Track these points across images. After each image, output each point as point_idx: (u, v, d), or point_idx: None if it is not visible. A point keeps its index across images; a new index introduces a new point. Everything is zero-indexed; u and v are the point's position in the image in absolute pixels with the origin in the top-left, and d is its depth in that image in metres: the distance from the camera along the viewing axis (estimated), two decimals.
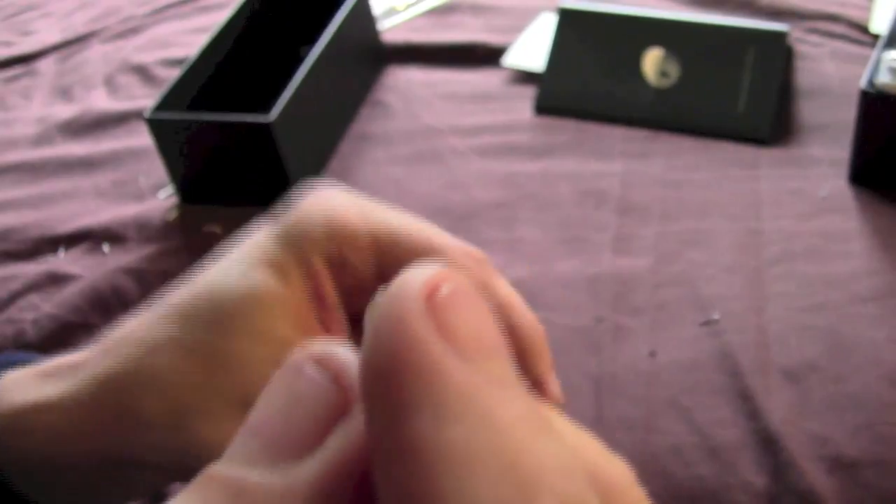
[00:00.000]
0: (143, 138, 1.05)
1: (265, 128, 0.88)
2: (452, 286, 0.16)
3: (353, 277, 0.35)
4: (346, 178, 0.96)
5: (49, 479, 0.36)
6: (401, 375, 0.15)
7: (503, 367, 0.16)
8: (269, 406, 0.17)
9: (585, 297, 0.80)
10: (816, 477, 0.65)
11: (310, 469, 0.16)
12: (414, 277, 0.16)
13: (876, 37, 1.04)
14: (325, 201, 0.36)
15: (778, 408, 0.69)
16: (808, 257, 0.81)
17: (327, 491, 0.16)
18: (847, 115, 0.89)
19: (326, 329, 0.35)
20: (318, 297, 0.35)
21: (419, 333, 0.15)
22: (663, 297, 0.79)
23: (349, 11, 1.05)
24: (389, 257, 0.35)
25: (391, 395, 0.15)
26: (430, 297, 0.15)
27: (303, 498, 0.16)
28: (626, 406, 0.71)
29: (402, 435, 0.14)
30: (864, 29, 1.07)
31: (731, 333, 0.75)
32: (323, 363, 0.17)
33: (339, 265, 0.35)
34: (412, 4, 1.23)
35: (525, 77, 1.08)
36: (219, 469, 0.17)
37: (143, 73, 1.22)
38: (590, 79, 1.03)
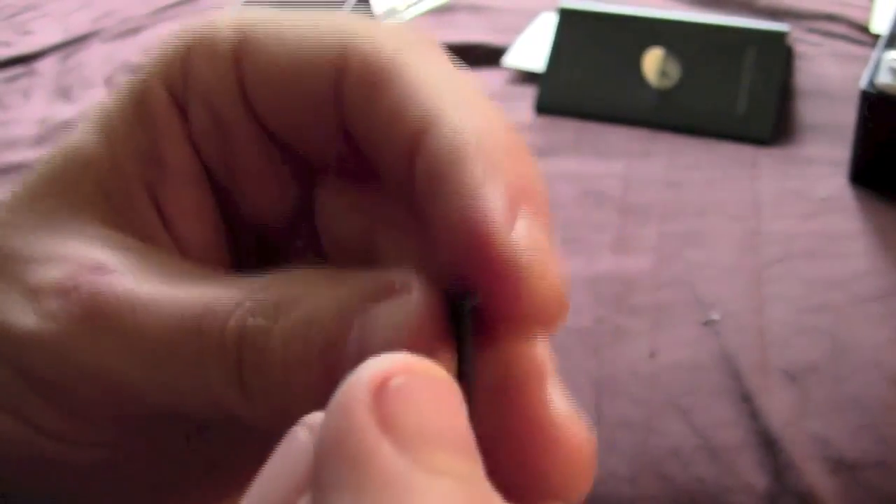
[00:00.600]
0: None
1: None
2: (407, 379, 0.16)
3: (213, 116, 0.23)
4: None
5: None
6: (332, 457, 0.15)
7: (454, 460, 0.16)
8: (264, 471, 0.18)
9: (586, 297, 0.80)
10: (817, 478, 0.65)
11: None
12: (367, 368, 0.16)
13: (876, 37, 1.04)
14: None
15: (778, 409, 0.69)
16: (809, 257, 0.80)
17: None
18: (847, 115, 0.89)
19: (162, 205, 0.23)
20: (157, 160, 0.23)
21: (357, 421, 0.16)
22: (663, 298, 0.79)
23: (349, 13, 1.05)
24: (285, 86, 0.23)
25: (322, 475, 0.16)
26: (379, 388, 0.16)
27: None
28: (626, 407, 0.71)
29: None
30: (864, 29, 1.07)
31: (732, 334, 0.75)
32: (315, 428, 0.17)
33: (195, 98, 0.23)
34: (412, 5, 1.23)
35: (525, 77, 1.08)
36: None
37: None
38: (590, 79, 1.02)
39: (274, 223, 0.25)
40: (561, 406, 0.21)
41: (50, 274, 0.22)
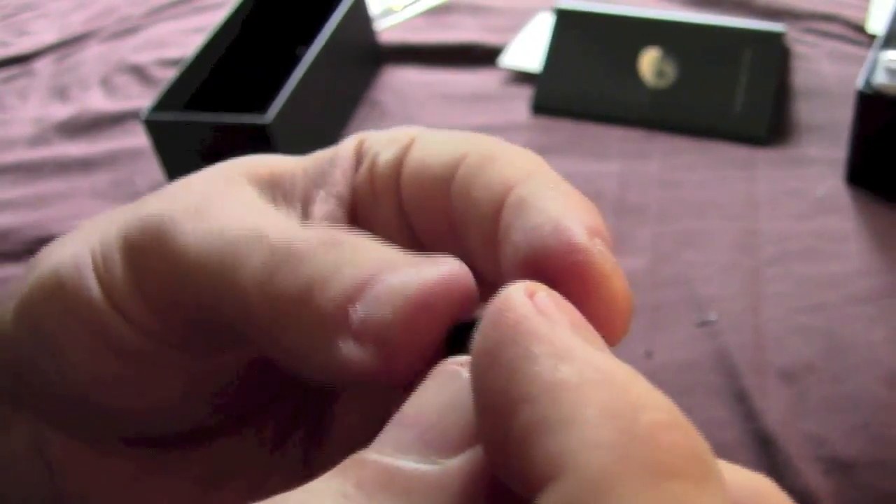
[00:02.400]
0: (139, 139, 1.05)
1: (262, 128, 0.88)
2: (549, 293, 0.18)
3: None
4: None
5: None
6: (512, 338, 0.17)
7: (602, 343, 0.19)
8: (424, 403, 0.19)
9: None
10: (813, 477, 0.65)
11: (463, 462, 0.17)
12: (514, 286, 0.18)
13: (873, 37, 1.04)
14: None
15: (774, 408, 0.69)
16: (805, 257, 0.81)
17: (480, 482, 0.17)
18: (844, 115, 0.89)
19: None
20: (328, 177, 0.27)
21: (524, 311, 0.17)
22: (660, 298, 0.79)
23: (346, 12, 1.05)
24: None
25: (506, 355, 0.17)
26: (531, 295, 0.18)
27: (457, 486, 0.17)
28: None
29: (521, 381, 0.16)
30: (860, 29, 1.07)
31: (728, 334, 0.75)
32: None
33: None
34: (409, 5, 1.23)
35: (522, 77, 1.08)
36: (369, 454, 0.18)
37: (139, 73, 1.22)
38: (586, 79, 1.03)
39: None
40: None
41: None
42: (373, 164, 0.25)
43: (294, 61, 0.98)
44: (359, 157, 0.26)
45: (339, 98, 1.05)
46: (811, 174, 0.90)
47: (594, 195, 0.90)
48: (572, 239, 0.21)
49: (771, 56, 0.99)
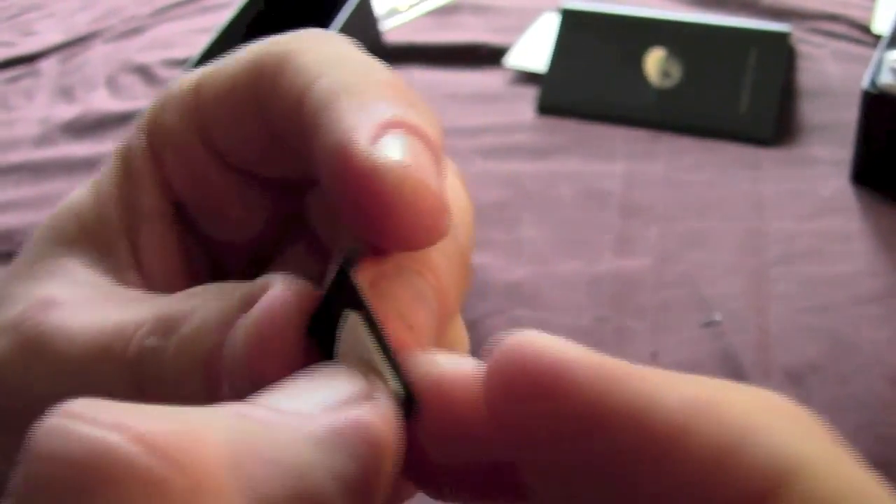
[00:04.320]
0: None
1: None
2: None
3: (184, 160, 0.26)
4: None
5: None
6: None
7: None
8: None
9: (587, 297, 0.80)
10: None
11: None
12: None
13: (878, 37, 1.04)
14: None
15: None
16: (810, 258, 0.80)
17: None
18: (849, 115, 0.89)
19: (138, 246, 0.26)
20: (134, 204, 0.26)
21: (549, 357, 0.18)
22: (665, 298, 0.79)
23: (351, 12, 1.06)
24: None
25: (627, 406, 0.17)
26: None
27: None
28: None
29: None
30: (866, 29, 1.07)
31: (733, 334, 0.75)
32: None
33: (168, 146, 0.26)
34: (414, 5, 1.23)
35: (527, 77, 1.08)
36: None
37: (145, 73, 1.22)
38: (592, 79, 1.03)
39: (263, 239, 0.27)
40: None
41: (11, 312, 0.24)
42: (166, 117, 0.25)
43: None
44: (154, 144, 0.26)
45: None
46: (816, 174, 0.90)
47: (599, 195, 0.90)
48: (351, 161, 0.19)
49: (776, 56, 0.99)
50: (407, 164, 0.19)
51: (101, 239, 0.25)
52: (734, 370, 0.72)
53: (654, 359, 0.74)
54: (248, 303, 0.21)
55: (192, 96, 0.25)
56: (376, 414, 0.18)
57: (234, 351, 0.20)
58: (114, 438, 0.14)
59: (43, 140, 1.13)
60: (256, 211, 0.26)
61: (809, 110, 0.98)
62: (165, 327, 0.22)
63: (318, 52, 0.22)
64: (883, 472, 0.58)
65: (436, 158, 0.21)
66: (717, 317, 0.76)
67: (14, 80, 1.28)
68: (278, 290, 0.20)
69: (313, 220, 0.26)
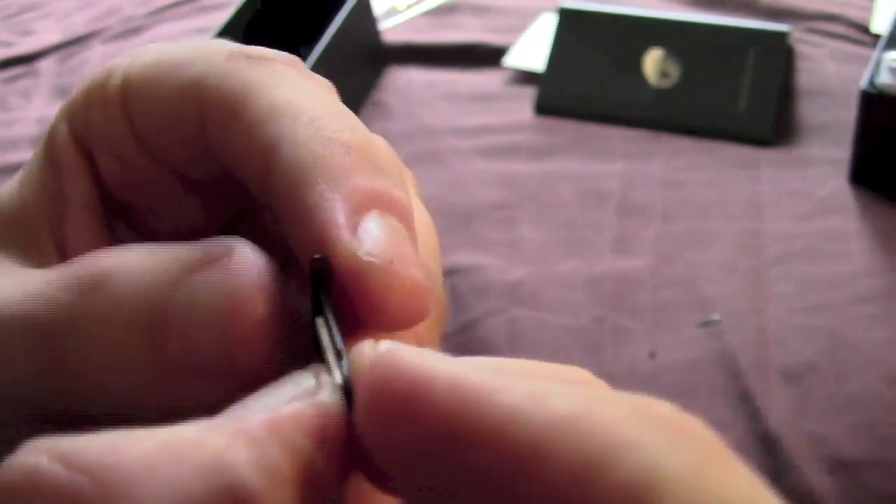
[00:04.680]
0: None
1: None
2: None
3: (116, 158, 0.25)
4: None
5: None
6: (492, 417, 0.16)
7: None
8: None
9: (585, 297, 0.80)
10: (816, 477, 0.65)
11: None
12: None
13: (877, 37, 1.04)
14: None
15: (777, 408, 0.69)
16: (809, 258, 0.81)
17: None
18: (848, 115, 0.89)
19: (63, 238, 0.25)
20: (59, 197, 0.25)
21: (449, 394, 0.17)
22: (663, 298, 0.79)
23: (350, 12, 1.05)
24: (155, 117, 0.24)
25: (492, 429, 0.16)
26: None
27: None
28: None
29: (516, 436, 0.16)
30: (864, 29, 1.07)
31: (731, 334, 0.75)
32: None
33: (99, 143, 0.25)
34: (413, 5, 1.23)
35: (525, 77, 1.08)
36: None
37: None
38: (590, 79, 1.03)
39: (208, 231, 0.26)
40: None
41: None
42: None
43: None
44: (81, 141, 0.25)
45: (343, 98, 1.05)
46: (815, 174, 0.90)
47: (597, 195, 0.90)
48: (335, 260, 0.20)
49: (775, 56, 0.99)
50: (389, 261, 0.20)
51: (24, 231, 0.25)
52: (732, 370, 0.72)
53: (651, 358, 0.74)
54: (205, 261, 0.21)
55: (118, 101, 0.24)
56: (314, 406, 0.18)
57: (190, 309, 0.20)
58: (39, 460, 0.15)
59: (40, 140, 1.13)
60: (198, 211, 0.26)
61: (808, 110, 0.98)
62: (82, 284, 0.21)
63: (275, 97, 0.22)
64: (881, 471, 0.58)
65: (409, 228, 0.21)
66: (716, 316, 0.76)
67: (12, 79, 1.28)
68: (249, 254, 0.21)
69: (263, 217, 0.26)
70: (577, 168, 0.94)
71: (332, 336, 0.20)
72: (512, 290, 0.82)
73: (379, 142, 0.22)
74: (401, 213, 0.21)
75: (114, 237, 0.25)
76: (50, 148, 0.26)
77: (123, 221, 0.26)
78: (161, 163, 0.25)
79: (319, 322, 0.20)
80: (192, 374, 0.20)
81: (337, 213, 0.20)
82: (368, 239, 0.20)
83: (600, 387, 0.17)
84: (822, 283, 0.78)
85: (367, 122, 0.89)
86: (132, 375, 0.21)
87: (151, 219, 0.26)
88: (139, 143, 0.24)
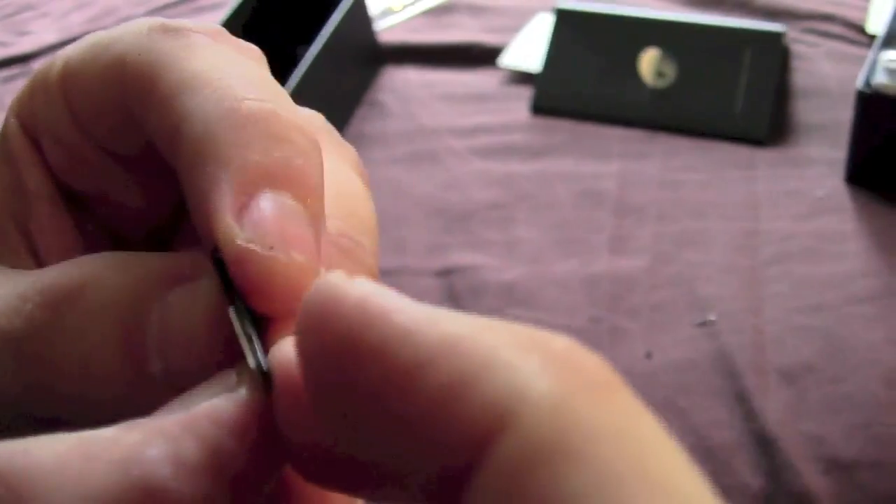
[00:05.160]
0: None
1: None
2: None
3: (61, 145, 0.25)
4: None
5: None
6: (361, 324, 0.17)
7: None
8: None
9: (582, 297, 0.80)
10: (812, 477, 0.65)
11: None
12: (325, 282, 0.17)
13: (872, 37, 1.04)
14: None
15: (774, 408, 0.69)
16: (805, 258, 0.81)
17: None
18: (844, 115, 0.89)
19: (29, 231, 0.25)
20: (18, 189, 0.25)
21: (353, 296, 0.17)
22: (660, 298, 0.79)
23: (346, 12, 1.05)
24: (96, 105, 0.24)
25: (369, 340, 0.17)
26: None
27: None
28: None
29: (406, 352, 0.16)
30: (860, 29, 1.07)
31: (728, 334, 0.75)
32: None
33: (44, 132, 0.25)
34: (409, 5, 1.23)
35: (522, 77, 1.08)
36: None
37: None
38: (586, 79, 1.03)
39: (161, 214, 0.26)
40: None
41: None
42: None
43: (294, 61, 0.98)
44: (30, 128, 0.25)
45: (340, 98, 1.05)
46: (811, 174, 0.90)
47: (594, 195, 0.90)
48: (220, 246, 0.20)
49: (771, 56, 0.99)
50: (269, 246, 0.20)
51: None
52: (729, 370, 0.72)
53: (648, 358, 0.74)
54: (167, 283, 0.21)
55: (58, 86, 0.24)
56: (229, 399, 0.18)
57: (167, 327, 0.20)
58: None
59: None
60: (144, 192, 0.25)
61: (804, 110, 0.98)
62: (57, 300, 0.21)
63: (184, 70, 0.22)
64: (877, 471, 0.58)
65: (310, 202, 0.21)
66: (712, 317, 0.76)
67: (8, 79, 1.27)
68: (215, 284, 0.21)
69: None
70: (574, 168, 0.94)
71: (242, 325, 0.19)
72: (508, 289, 0.82)
73: (287, 109, 0.21)
74: (299, 188, 0.20)
75: (77, 226, 0.25)
76: (2, 141, 0.25)
77: (81, 210, 0.26)
78: (97, 143, 0.24)
79: (232, 312, 0.20)
80: (172, 386, 0.20)
81: (222, 195, 0.20)
82: (251, 222, 0.19)
83: (578, 361, 0.17)
84: (818, 283, 0.78)
85: (363, 122, 0.89)
86: (112, 388, 0.21)
87: (104, 206, 0.26)
88: (77, 125, 0.24)
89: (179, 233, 0.26)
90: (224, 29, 0.24)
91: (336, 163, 0.24)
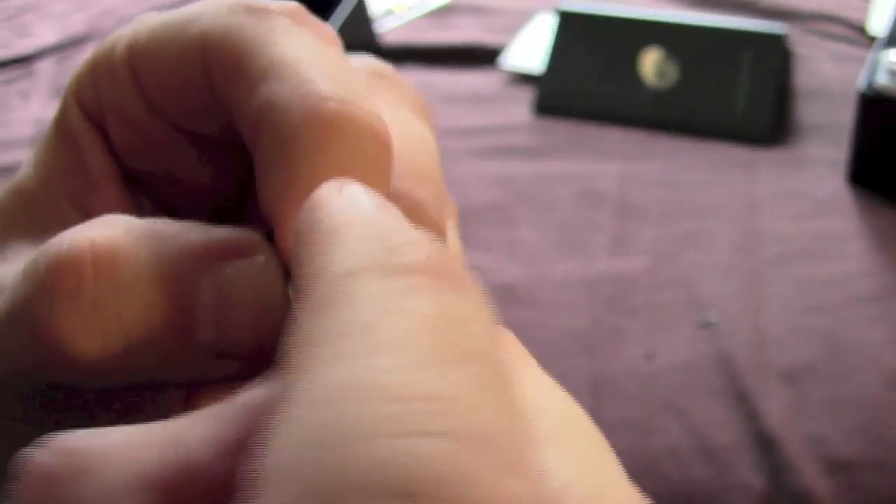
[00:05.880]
0: None
1: None
2: None
3: (129, 125, 0.25)
4: None
5: None
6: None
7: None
8: None
9: (583, 298, 0.80)
10: (813, 478, 0.65)
11: None
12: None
13: (873, 38, 1.04)
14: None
15: (775, 409, 0.69)
16: (806, 258, 0.81)
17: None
18: (845, 116, 0.89)
19: (88, 212, 0.24)
20: (80, 171, 0.25)
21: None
22: (661, 299, 0.79)
23: (348, 13, 1.05)
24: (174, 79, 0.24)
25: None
26: None
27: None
28: (623, 408, 0.71)
29: None
30: (861, 30, 1.07)
31: (729, 335, 0.75)
32: None
33: (110, 113, 0.25)
34: (411, 7, 1.23)
35: (523, 78, 1.08)
36: None
37: None
38: (588, 80, 1.03)
39: (225, 196, 0.26)
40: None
41: None
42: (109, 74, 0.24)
43: None
44: (87, 101, 0.25)
45: None
46: (812, 175, 0.90)
47: (595, 196, 0.90)
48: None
49: (772, 57, 0.99)
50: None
51: (48, 209, 0.25)
52: (730, 371, 0.72)
53: (649, 359, 0.74)
54: (223, 255, 0.21)
55: (126, 67, 0.24)
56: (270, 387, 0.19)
57: (233, 300, 0.21)
58: (36, 451, 0.17)
59: (52, 119, 1.13)
60: (213, 170, 0.26)
61: (805, 111, 0.98)
62: (97, 263, 0.21)
63: (272, 56, 0.22)
64: (878, 472, 0.58)
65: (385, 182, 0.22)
66: (713, 318, 0.76)
67: (10, 81, 1.27)
68: (275, 259, 0.21)
69: None
70: (575, 169, 0.94)
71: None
72: (509, 291, 0.82)
73: (362, 99, 0.22)
74: (380, 182, 0.21)
75: (137, 207, 0.25)
76: (62, 124, 0.25)
77: (141, 191, 0.26)
78: (172, 123, 0.25)
79: (291, 290, 0.20)
80: (218, 354, 0.21)
81: (293, 199, 0.20)
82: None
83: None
84: (819, 284, 0.78)
85: None
86: (150, 355, 0.21)
87: (168, 185, 0.26)
88: (149, 106, 0.24)
89: (245, 212, 0.26)
90: (303, 7, 0.24)
91: (394, 110, 0.24)
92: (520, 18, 1.17)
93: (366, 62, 0.26)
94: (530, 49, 1.10)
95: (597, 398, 0.71)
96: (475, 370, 0.15)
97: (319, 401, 0.14)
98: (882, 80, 0.81)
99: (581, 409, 0.19)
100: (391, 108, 0.24)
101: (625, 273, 0.82)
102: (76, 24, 1.38)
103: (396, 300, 0.15)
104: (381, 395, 0.14)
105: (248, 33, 0.23)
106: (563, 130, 1.00)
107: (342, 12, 1.05)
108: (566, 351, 0.76)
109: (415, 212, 0.22)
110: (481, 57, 1.12)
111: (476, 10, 1.21)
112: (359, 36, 1.11)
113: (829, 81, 1.01)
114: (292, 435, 0.14)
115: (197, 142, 0.25)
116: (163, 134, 0.25)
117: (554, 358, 0.76)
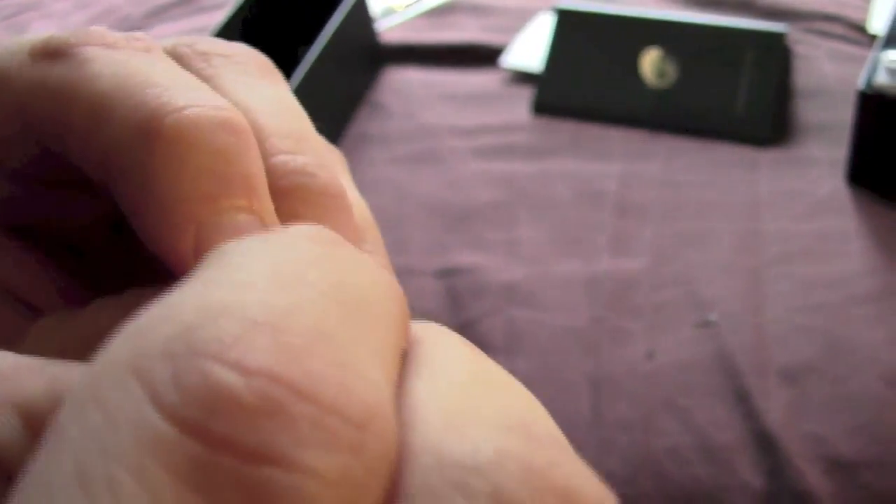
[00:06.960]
0: None
1: None
2: None
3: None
4: None
5: None
6: None
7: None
8: None
9: (583, 297, 0.80)
10: (814, 477, 0.65)
11: None
12: None
13: (874, 37, 1.04)
14: None
15: (775, 408, 0.69)
16: (807, 258, 0.81)
17: None
18: (845, 115, 0.89)
19: None
20: None
21: None
22: (661, 298, 0.79)
23: (347, 12, 1.05)
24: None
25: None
26: None
27: None
28: (623, 407, 0.71)
29: None
30: (861, 29, 1.07)
31: (729, 334, 0.75)
32: None
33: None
34: (410, 5, 1.23)
35: (523, 78, 1.08)
36: None
37: None
38: (588, 79, 1.03)
39: (113, 221, 0.25)
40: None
41: None
42: None
43: (295, 62, 0.98)
44: None
45: (340, 98, 1.05)
46: (813, 174, 0.90)
47: (595, 195, 0.90)
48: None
49: (772, 56, 0.99)
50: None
51: None
52: (730, 370, 0.72)
53: (649, 358, 0.74)
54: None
55: None
56: None
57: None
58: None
59: None
60: (82, 203, 0.25)
61: (805, 110, 0.98)
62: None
63: (89, 96, 0.21)
64: (878, 471, 0.58)
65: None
66: (713, 317, 0.76)
67: None
68: None
69: None
70: (575, 168, 0.94)
71: None
72: (510, 290, 0.82)
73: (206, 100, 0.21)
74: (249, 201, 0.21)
75: (37, 255, 0.24)
76: None
77: (35, 238, 0.25)
78: (18, 175, 0.23)
79: None
80: None
81: (172, 230, 0.20)
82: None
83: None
84: (820, 284, 0.78)
85: (364, 123, 0.89)
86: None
87: (53, 228, 0.25)
88: None
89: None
90: (98, 27, 0.23)
91: (244, 86, 0.24)
92: (520, 17, 1.17)
93: (195, 46, 0.24)
94: (531, 48, 1.10)
95: (597, 397, 0.71)
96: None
97: (161, 312, 0.14)
98: (882, 79, 0.81)
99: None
100: (239, 85, 0.23)
101: (625, 272, 0.82)
102: (76, 23, 1.38)
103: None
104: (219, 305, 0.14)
105: (59, 81, 0.21)
106: (564, 130, 1.00)
107: (342, 11, 1.05)
108: (566, 350, 0.76)
109: (304, 180, 0.21)
110: (481, 56, 1.12)
111: (476, 9, 1.21)
112: (358, 34, 1.11)
113: (829, 81, 1.01)
114: (128, 327, 0.14)
115: (53, 185, 0.24)
116: (13, 187, 0.23)
117: (554, 357, 0.76)
